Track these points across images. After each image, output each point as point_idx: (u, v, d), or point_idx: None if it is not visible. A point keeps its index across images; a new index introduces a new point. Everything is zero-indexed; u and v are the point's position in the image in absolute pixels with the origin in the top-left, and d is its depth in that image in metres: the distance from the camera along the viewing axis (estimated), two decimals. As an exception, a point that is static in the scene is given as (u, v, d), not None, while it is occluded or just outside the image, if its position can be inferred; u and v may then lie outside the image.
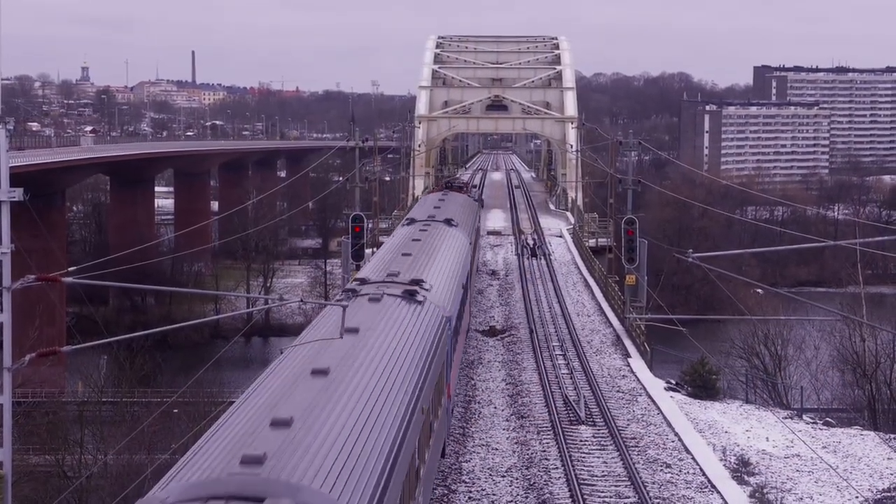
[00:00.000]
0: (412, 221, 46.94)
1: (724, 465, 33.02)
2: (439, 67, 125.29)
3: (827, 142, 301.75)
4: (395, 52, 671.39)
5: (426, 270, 31.01)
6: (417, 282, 28.14)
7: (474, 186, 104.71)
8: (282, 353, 20.02)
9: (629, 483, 30.53)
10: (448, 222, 46.00)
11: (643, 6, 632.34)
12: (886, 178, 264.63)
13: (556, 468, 31.86)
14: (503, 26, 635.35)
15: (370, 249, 63.04)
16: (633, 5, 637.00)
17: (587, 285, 67.94)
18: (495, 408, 39.08)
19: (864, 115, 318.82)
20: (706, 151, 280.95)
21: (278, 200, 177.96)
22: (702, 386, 44.49)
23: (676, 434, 35.97)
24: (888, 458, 36.12)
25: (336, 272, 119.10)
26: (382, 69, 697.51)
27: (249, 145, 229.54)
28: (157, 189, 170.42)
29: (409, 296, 26.35)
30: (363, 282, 28.47)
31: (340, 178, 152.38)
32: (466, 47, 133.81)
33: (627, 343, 51.24)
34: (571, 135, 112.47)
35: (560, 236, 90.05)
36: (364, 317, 22.79)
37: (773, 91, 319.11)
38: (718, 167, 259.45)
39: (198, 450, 14.10)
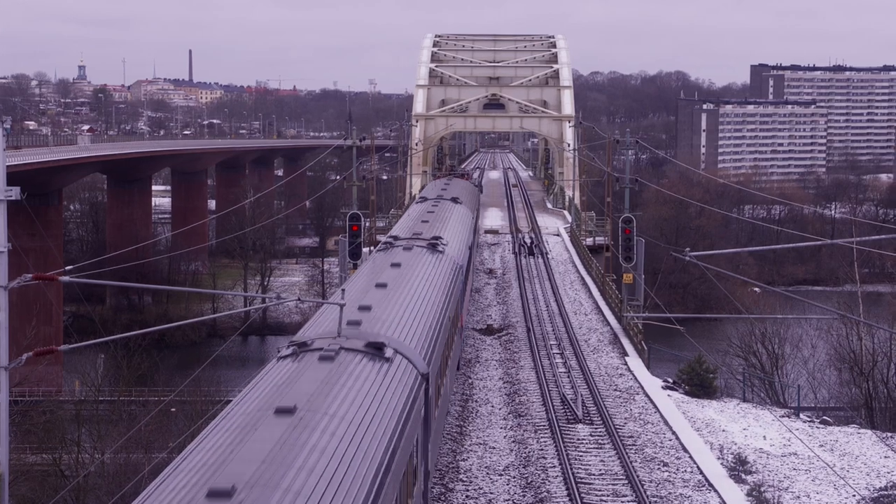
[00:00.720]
0: (424, 199, 56.36)
1: (722, 463, 33.02)
2: (436, 66, 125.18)
3: (824, 140, 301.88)
4: (391, 49, 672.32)
5: (442, 231, 39.96)
6: (437, 238, 37.03)
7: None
8: (279, 351, 20.69)
9: (626, 482, 30.53)
10: (454, 200, 54.72)
11: (639, 3, 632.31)
12: (883, 176, 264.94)
13: (554, 467, 31.86)
14: (496, 24, 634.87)
15: (367, 248, 63.11)
16: (628, 3, 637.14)
17: (584, 284, 67.93)
18: (492, 406, 39.07)
19: (861, 114, 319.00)
20: (703, 150, 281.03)
21: (275, 199, 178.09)
22: (699, 384, 44.49)
23: (674, 432, 35.97)
24: (885, 457, 36.14)
25: (333, 271, 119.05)
26: (379, 67, 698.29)
27: (246, 144, 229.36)
28: (154, 188, 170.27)
29: (432, 247, 35.44)
30: (395, 238, 37.67)
31: (337, 177, 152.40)
32: (463, 46, 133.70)
33: (625, 341, 51.24)
34: (568, 133, 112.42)
35: (557, 235, 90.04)
36: (402, 258, 32.12)
37: (771, 90, 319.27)
38: (716, 166, 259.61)
39: (311, 324, 22.90)
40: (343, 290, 26.24)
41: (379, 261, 32.75)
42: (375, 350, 20.08)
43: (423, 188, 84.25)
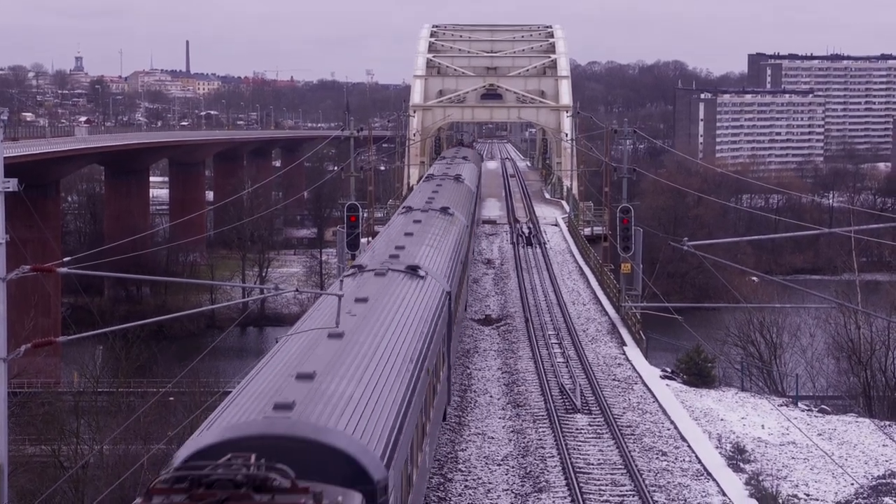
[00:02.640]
0: (444, 158, 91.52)
1: (720, 452, 33.05)
2: (434, 56, 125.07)
3: (822, 129, 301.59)
4: (387, 40, 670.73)
5: (461, 172, 67.07)
6: (459, 174, 63.93)
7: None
8: (277, 342, 20.88)
9: (625, 471, 30.57)
10: (465, 158, 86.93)
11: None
12: (881, 165, 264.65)
13: (552, 456, 31.89)
14: (494, 14, 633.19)
15: (366, 239, 63.12)
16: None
17: (582, 274, 67.95)
18: (491, 396, 39.10)
19: (859, 103, 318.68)
20: (701, 140, 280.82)
21: (273, 190, 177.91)
22: (697, 374, 44.51)
23: (672, 422, 35.99)
24: (883, 445, 36.18)
25: (332, 262, 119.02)
26: (376, 58, 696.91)
27: (244, 135, 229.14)
28: (151, 179, 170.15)
29: (456, 179, 61.98)
30: (432, 175, 66.03)
31: (335, 168, 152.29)
32: (461, 36, 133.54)
33: (623, 331, 51.25)
34: (566, 123, 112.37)
35: (555, 225, 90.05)
36: (443, 182, 58.29)
37: (768, 79, 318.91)
38: (713, 155, 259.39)
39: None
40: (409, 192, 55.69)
41: (424, 188, 58.01)
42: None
43: (442, 153, 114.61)
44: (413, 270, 28.68)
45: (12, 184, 27.27)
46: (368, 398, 16.71)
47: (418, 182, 76.37)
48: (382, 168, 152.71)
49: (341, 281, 27.15)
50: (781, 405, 42.24)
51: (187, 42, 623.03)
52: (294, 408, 14.96)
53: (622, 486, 29.43)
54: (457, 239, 39.75)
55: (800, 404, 44.68)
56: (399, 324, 22.73)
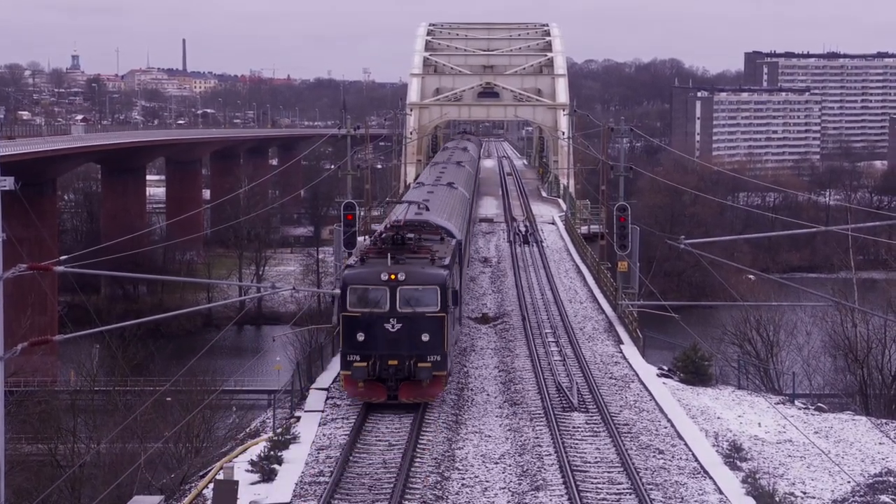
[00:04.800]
0: (453, 139, 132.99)
1: (717, 450, 33.04)
2: (430, 55, 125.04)
3: (818, 127, 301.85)
4: (384, 39, 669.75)
5: (467, 146, 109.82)
6: (465, 147, 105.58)
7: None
8: (273, 340, 21.17)
9: (622, 469, 30.58)
10: (468, 140, 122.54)
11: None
12: (877, 163, 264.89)
13: (549, 455, 31.89)
14: (489, 12, 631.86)
15: (363, 237, 63.13)
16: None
17: (579, 272, 67.96)
18: (488, 395, 39.10)
19: (855, 101, 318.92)
20: (698, 138, 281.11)
21: (270, 188, 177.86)
22: (694, 372, 44.50)
23: (669, 420, 36.00)
24: (880, 443, 36.21)
25: (328, 260, 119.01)
26: (373, 56, 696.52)
27: (241, 133, 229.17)
28: (148, 177, 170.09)
29: (464, 150, 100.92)
30: (446, 148, 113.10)
31: (332, 166, 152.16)
32: (457, 34, 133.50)
33: (620, 330, 51.26)
34: (563, 122, 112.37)
35: (552, 223, 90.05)
36: (457, 152, 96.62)
37: (765, 77, 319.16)
38: (710, 153, 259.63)
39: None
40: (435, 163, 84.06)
41: (443, 154, 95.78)
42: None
43: (451, 137, 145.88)
44: (450, 185, 57.39)
45: (9, 182, 27.19)
46: (449, 216, 45.90)
47: (437, 153, 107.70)
48: (379, 166, 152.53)
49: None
50: (778, 403, 42.24)
51: (184, 40, 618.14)
52: (424, 214, 43.36)
53: (619, 484, 29.44)
54: (468, 176, 74.11)
55: (796, 402, 44.68)
56: (451, 202, 51.18)
